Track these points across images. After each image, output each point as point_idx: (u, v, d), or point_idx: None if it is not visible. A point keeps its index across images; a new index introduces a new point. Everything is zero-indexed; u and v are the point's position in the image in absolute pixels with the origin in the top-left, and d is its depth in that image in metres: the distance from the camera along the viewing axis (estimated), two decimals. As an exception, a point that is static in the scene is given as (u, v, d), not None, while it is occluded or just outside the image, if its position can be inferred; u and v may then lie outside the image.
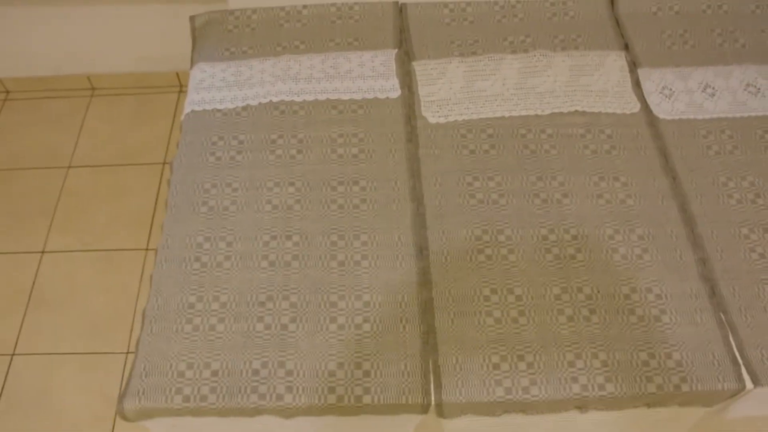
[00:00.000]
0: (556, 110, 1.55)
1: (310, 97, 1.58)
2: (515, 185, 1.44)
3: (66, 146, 2.14)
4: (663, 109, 1.56)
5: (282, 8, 1.75)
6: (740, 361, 1.24)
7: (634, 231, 1.38)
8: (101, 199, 2.02)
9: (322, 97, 1.58)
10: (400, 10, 1.76)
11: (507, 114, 1.55)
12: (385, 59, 1.64)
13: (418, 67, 1.64)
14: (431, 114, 1.55)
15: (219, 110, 1.58)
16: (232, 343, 1.26)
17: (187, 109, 1.59)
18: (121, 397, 1.23)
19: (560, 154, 1.49)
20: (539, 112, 1.55)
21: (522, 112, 1.55)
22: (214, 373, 1.23)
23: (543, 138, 1.51)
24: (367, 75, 1.61)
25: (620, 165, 1.47)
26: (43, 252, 1.93)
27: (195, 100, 1.60)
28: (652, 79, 1.61)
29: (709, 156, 1.50)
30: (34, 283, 1.88)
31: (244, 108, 1.57)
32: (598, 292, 1.30)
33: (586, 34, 1.70)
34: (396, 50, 1.66)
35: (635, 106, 1.57)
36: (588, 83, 1.60)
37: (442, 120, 1.54)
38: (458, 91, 1.59)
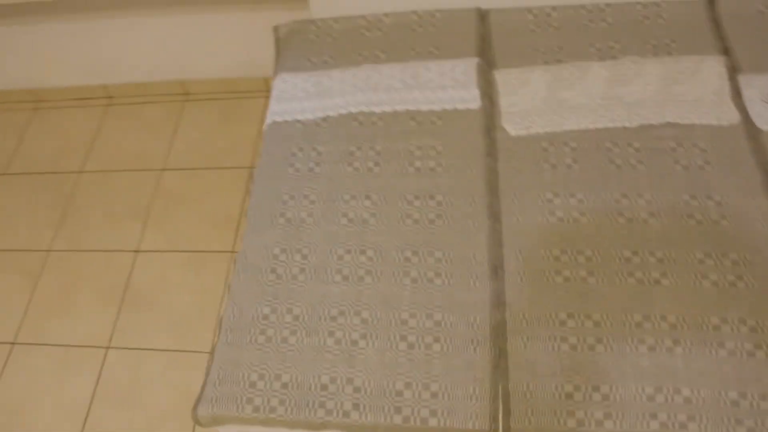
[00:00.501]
0: (645, 122, 1.46)
1: (388, 108, 1.56)
2: (598, 203, 1.37)
3: (160, 150, 2.23)
4: (766, 119, 1.44)
5: (364, 17, 1.74)
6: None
7: (728, 256, 1.28)
8: (191, 201, 2.10)
9: (400, 107, 1.56)
10: (482, 16, 1.71)
11: (592, 126, 1.47)
12: (466, 68, 1.60)
13: (500, 76, 1.59)
14: (512, 126, 1.50)
15: (299, 121, 1.59)
16: (303, 356, 1.27)
17: (268, 120, 1.61)
18: (196, 403, 1.27)
19: (648, 169, 1.40)
20: (627, 124, 1.47)
21: (608, 124, 1.47)
22: (284, 386, 1.25)
23: (630, 152, 1.43)
24: (447, 85, 1.58)
25: (715, 182, 1.37)
26: (137, 251, 2.03)
27: (276, 110, 1.62)
28: (754, 86, 1.49)
29: (815, 172, 1.36)
30: (128, 280, 1.98)
31: (324, 119, 1.58)
32: (684, 321, 1.22)
33: (680, 37, 1.59)
34: (477, 59, 1.61)
35: (734, 117, 1.45)
36: (681, 92, 1.50)
37: (523, 132, 1.49)
38: (541, 101, 1.53)
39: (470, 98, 1.55)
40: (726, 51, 1.56)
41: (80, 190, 2.21)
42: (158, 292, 1.95)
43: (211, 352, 1.31)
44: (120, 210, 2.13)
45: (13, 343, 1.91)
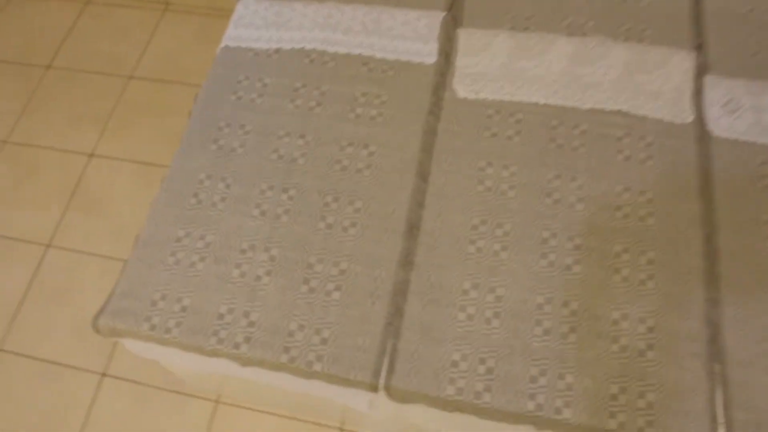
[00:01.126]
0: (597, 106, 1.42)
1: (342, 50, 1.52)
2: (530, 179, 1.34)
3: (131, 56, 2.19)
4: (720, 125, 1.39)
5: (340, -48, 1.66)
6: (720, 419, 1.12)
7: (645, 254, 1.26)
8: (153, 114, 2.07)
9: (355, 51, 1.51)
10: (461, -30, 1.64)
11: (542, 101, 1.43)
12: (430, 21, 1.54)
13: (463, 34, 1.53)
14: (462, 87, 1.45)
15: (252, 49, 1.55)
16: (207, 283, 1.27)
17: (222, 44, 1.57)
18: (98, 312, 1.27)
19: (588, 154, 1.36)
20: (578, 105, 1.42)
21: (559, 102, 1.43)
22: (183, 309, 1.25)
23: (574, 134, 1.39)
24: (407, 35, 1.53)
25: (652, 178, 1.33)
26: (91, 155, 2.01)
27: (232, 35, 1.58)
28: (718, 89, 1.43)
29: (757, 188, 1.33)
30: (78, 182, 1.96)
31: (276, 51, 1.53)
32: (585, 310, 1.21)
33: (657, 26, 1.52)
34: (444, 13, 1.55)
35: (688, 116, 1.40)
36: (642, 82, 1.44)
37: (471, 95, 1.44)
38: (498, 67, 1.48)
39: (427, 52, 1.50)
40: (700, 48, 1.50)
41: (45, 85, 2.17)
42: (105, 199, 1.95)
43: (123, 266, 1.31)
44: (81, 111, 2.10)
45: (-45, 227, 1.91)
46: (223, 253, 1.30)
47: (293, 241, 1.29)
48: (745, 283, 1.23)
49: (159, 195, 1.38)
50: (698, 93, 1.44)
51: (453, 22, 1.56)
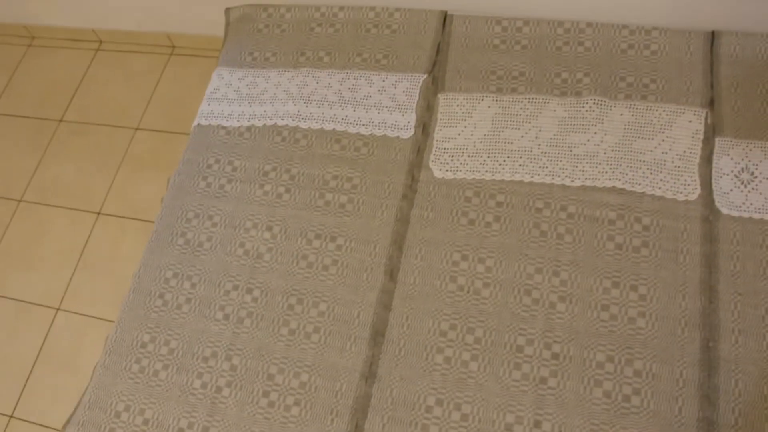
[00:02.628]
0: (588, 182, 1.31)
1: (316, 125, 1.47)
2: (507, 274, 1.26)
3: (138, 105, 2.21)
4: (730, 201, 1.25)
5: (317, 8, 1.60)
6: None
7: (632, 363, 1.16)
8: (158, 168, 2.09)
9: (328, 126, 1.46)
10: (445, 22, 1.54)
11: (528, 178, 1.33)
12: (409, 86, 1.46)
13: (444, 101, 1.44)
14: (439, 166, 1.37)
15: (224, 128, 1.52)
16: (169, 394, 1.28)
17: (195, 121, 1.55)
18: (66, 423, 1.31)
19: (575, 242, 1.26)
20: (567, 182, 1.32)
21: (546, 179, 1.33)
22: (145, 422, 1.26)
23: (561, 218, 1.29)
24: (384, 104, 1.45)
25: (645, 271, 1.22)
26: (99, 213, 2.06)
27: (205, 111, 1.56)
28: (731, 155, 1.29)
29: (770, 278, 1.19)
30: (86, 243, 2.02)
31: (248, 128, 1.50)
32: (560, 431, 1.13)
33: (663, 78, 1.38)
34: (425, 76, 1.47)
35: (694, 191, 1.27)
36: (642, 149, 1.32)
37: (449, 175, 1.36)
38: (480, 138, 1.39)
39: (404, 125, 1.43)
40: (712, 103, 1.35)
41: (57, 139, 2.24)
42: (112, 259, 2.00)
43: (92, 374, 1.34)
44: (90, 167, 2.16)
45: (-23, 290, 2.02)
46: (185, 362, 1.30)
47: (254, 349, 1.28)
48: (747, 398, 1.11)
49: (128, 295, 1.39)
50: (707, 160, 1.30)
51: (434, 85, 1.47)
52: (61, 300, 1.98)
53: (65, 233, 2.07)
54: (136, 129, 2.19)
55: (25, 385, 1.88)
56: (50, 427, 1.80)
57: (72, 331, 1.92)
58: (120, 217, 2.06)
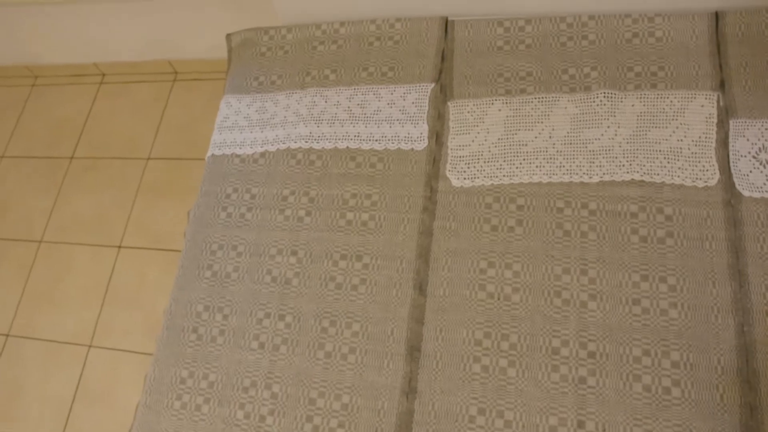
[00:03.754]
0: (607, 177, 1.31)
1: (329, 145, 1.47)
2: (535, 278, 1.27)
3: (147, 135, 2.23)
4: (751, 183, 1.25)
5: (318, 26, 1.61)
6: None
7: (669, 355, 1.17)
8: (173, 195, 2.11)
9: (341, 144, 1.47)
10: (447, 28, 1.54)
11: (546, 179, 1.34)
12: (418, 97, 1.46)
13: (454, 108, 1.45)
14: (456, 175, 1.38)
15: (238, 156, 1.53)
16: (213, 428, 1.30)
17: (209, 152, 1.56)
18: (115, 466, 1.33)
19: (600, 239, 1.27)
20: (585, 179, 1.32)
21: (564, 178, 1.33)
22: (194, 458, 1.28)
23: (583, 216, 1.29)
24: (394, 118, 1.46)
25: (673, 261, 1.23)
26: (119, 247, 2.08)
27: (217, 141, 1.56)
28: (747, 136, 1.29)
29: (799, 256, 1.19)
30: (110, 277, 2.05)
31: (262, 155, 1.51)
32: (604, 430, 1.14)
33: (671, 64, 1.38)
34: (432, 85, 1.47)
35: (713, 177, 1.27)
36: (657, 139, 1.32)
37: (467, 183, 1.37)
38: (494, 143, 1.39)
39: (417, 136, 1.43)
40: (722, 85, 1.34)
41: (71, 177, 2.26)
42: (138, 292, 2.02)
43: (135, 413, 1.36)
44: (106, 201, 2.18)
45: (7, 335, 2.05)
46: (226, 393, 1.31)
47: (294, 375, 1.29)
48: (788, 380, 1.12)
49: (161, 333, 1.41)
50: (723, 144, 1.30)
51: (442, 94, 1.48)
52: (92, 336, 2.01)
53: (88, 269, 2.10)
54: (148, 159, 2.21)
55: (66, 425, 1.91)
56: (95, 465, 1.83)
57: (106, 367, 1.95)
58: (141, 248, 2.08)
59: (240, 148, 1.54)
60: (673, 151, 1.31)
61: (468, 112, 1.44)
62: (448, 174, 1.39)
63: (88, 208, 2.18)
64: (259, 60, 1.64)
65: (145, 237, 2.08)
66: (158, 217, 2.10)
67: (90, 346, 1.98)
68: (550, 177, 1.34)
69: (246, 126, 1.56)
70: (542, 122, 1.39)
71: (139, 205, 2.14)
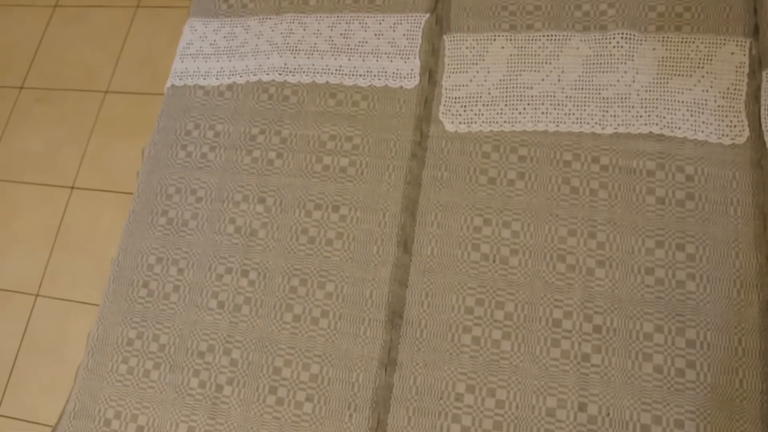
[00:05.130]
0: (621, 129, 1.14)
1: (306, 78, 1.27)
2: (537, 238, 1.10)
3: (105, 67, 1.99)
4: (785, 142, 1.09)
5: (298, -57, 1.37)
6: None
7: (684, 333, 1.01)
8: (132, 133, 1.89)
9: (320, 79, 1.27)
10: (446, -48, 1.33)
11: (552, 128, 1.15)
12: (410, 29, 1.26)
13: (451, 43, 1.25)
14: (450, 118, 1.19)
15: (201, 87, 1.32)
16: (163, 396, 1.12)
17: (168, 82, 1.35)
18: (50, 435, 1.15)
19: (611, 199, 1.10)
20: (597, 130, 1.14)
21: (573, 127, 1.15)
22: (139, 429, 1.12)
23: (593, 171, 1.12)
24: (382, 51, 1.26)
25: (692, 227, 1.07)
26: (72, 188, 1.87)
27: (179, 70, 1.35)
28: (782, 89, 1.11)
29: (835, 226, 1.04)
30: (61, 221, 1.84)
31: (229, 87, 1.30)
32: (608, 415, 0.99)
33: (699, 4, 1.20)
34: (427, 15, 1.27)
35: (742, 133, 1.10)
36: (680, 88, 1.14)
37: (463, 128, 1.18)
38: (495, 84, 1.20)
39: (407, 72, 1.24)
40: (756, 31, 1.16)
41: (20, 109, 2.02)
42: (90, 237, 1.81)
43: (75, 377, 1.17)
44: (59, 137, 1.95)
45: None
46: (179, 358, 1.13)
47: (256, 340, 1.12)
48: (818, 365, 0.97)
49: (108, 286, 1.22)
50: (754, 97, 1.12)
51: (438, 26, 1.28)
52: (40, 285, 1.80)
53: (37, 211, 1.88)
54: (106, 92, 1.97)
55: (8, 380, 1.71)
56: (40, 424, 1.65)
57: (55, 318, 1.76)
58: (96, 190, 1.87)
59: (204, 79, 1.32)
60: (698, 103, 1.13)
61: (466, 47, 1.24)
62: (441, 117, 1.20)
63: (38, 144, 1.95)
64: (230, -21, 1.41)
65: (100, 178, 1.86)
66: (116, 157, 1.88)
67: (37, 296, 1.78)
68: (558, 125, 1.16)
69: (212, 54, 1.34)
70: (550, 63, 1.20)
71: (94, 143, 1.91)
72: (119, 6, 2.07)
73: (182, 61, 1.36)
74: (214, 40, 1.36)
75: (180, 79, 1.34)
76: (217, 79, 1.32)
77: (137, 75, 1.96)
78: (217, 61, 1.33)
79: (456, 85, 1.22)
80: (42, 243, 1.83)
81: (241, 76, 1.31)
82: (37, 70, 2.04)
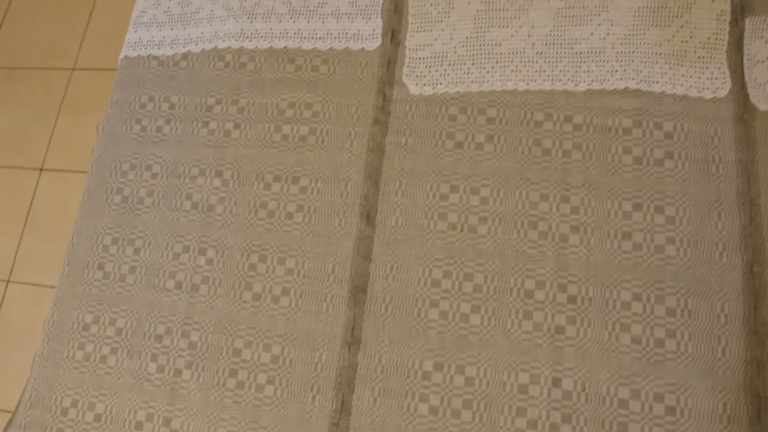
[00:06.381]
0: (595, 85, 1.06)
1: (264, 44, 1.20)
2: (507, 205, 1.03)
3: (72, 43, 1.91)
4: (769, 93, 1.01)
5: None
6: None
7: (664, 300, 0.95)
8: (100, 111, 1.81)
9: (279, 43, 1.19)
10: None
11: (522, 86, 1.08)
12: (372, -13, 1.18)
13: (414, 0, 1.17)
14: (414, 80, 1.12)
15: (156, 57, 1.25)
16: (121, 382, 1.07)
17: (122, 53, 1.28)
18: (5, 428, 1.11)
19: (585, 160, 1.03)
20: (570, 87, 1.07)
21: (544, 85, 1.08)
22: (97, 418, 1.06)
23: (566, 130, 1.05)
24: (343, 11, 1.19)
25: (672, 187, 1.00)
26: (41, 169, 1.81)
27: (132, 40, 1.28)
28: (765, 37, 1.05)
29: (824, 182, 0.97)
30: (31, 204, 1.78)
31: (184, 56, 1.23)
32: (583, 389, 0.93)
33: (679, -51, 1.11)
34: (390, -29, 1.19)
35: (723, 86, 1.03)
36: (658, 39, 1.07)
37: (427, 90, 1.11)
38: (462, 42, 1.13)
39: (369, 33, 1.16)
40: (738, -26, 1.08)
41: (-15, 90, 1.95)
42: (60, 220, 1.76)
43: (32, 366, 1.12)
44: (26, 117, 1.89)
45: None
46: (136, 342, 1.08)
47: (215, 321, 1.06)
48: (805, 330, 0.91)
49: (63, 270, 1.16)
50: (737, 47, 1.05)
51: (401, -17, 1.20)
52: (11, 271, 1.75)
53: (5, 194, 1.82)
54: (73, 69, 1.90)
55: (-19, 367, 1.68)
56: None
57: (26, 304, 1.71)
58: (66, 171, 1.81)
59: (158, 49, 1.25)
60: (677, 55, 1.06)
61: (431, 4, 1.17)
62: (404, 79, 1.13)
63: (3, 124, 1.88)
64: (183, -58, 1.33)
65: (70, 158, 1.80)
66: (85, 136, 1.81)
67: (8, 282, 1.73)
68: (528, 84, 1.09)
69: (166, 22, 1.27)
70: (520, 17, 1.13)
71: (62, 122, 1.84)
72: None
73: (135, 31, 1.28)
74: (168, 7, 1.28)
75: (133, 50, 1.27)
76: (171, 48, 1.25)
77: (104, 50, 1.89)
78: (172, 29, 1.26)
79: (420, 45, 1.15)
80: (11, 227, 1.78)
81: (196, 44, 1.23)
82: (0, 48, 1.97)
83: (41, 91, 1.89)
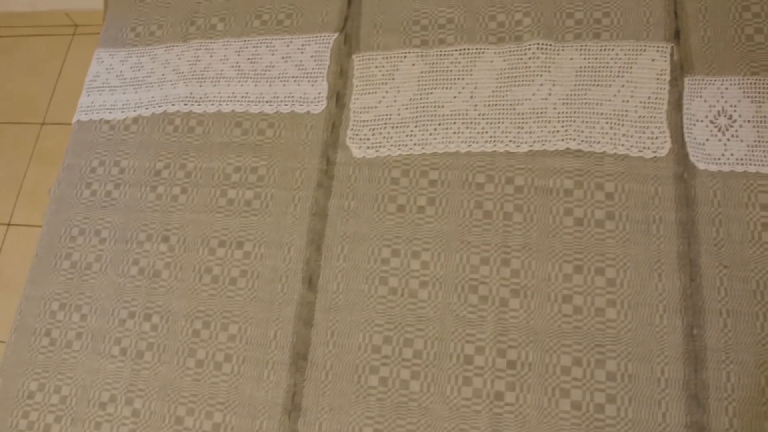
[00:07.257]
0: (537, 146, 1.09)
1: (212, 108, 1.23)
2: (447, 269, 1.05)
3: (42, 98, 1.96)
4: (707, 153, 1.04)
5: (206, -36, 1.34)
6: None
7: (604, 365, 0.96)
8: (70, 166, 1.85)
9: (226, 107, 1.22)
10: (356, -34, 1.28)
11: (465, 148, 1.11)
12: (318, 49, 1.22)
13: (360, 62, 1.21)
14: (358, 143, 1.14)
15: (107, 121, 1.28)
16: (64, 453, 1.07)
17: (75, 118, 1.31)
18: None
19: (526, 222, 1.05)
20: (512, 148, 1.09)
21: (486, 147, 1.10)
22: (39, 490, 1.06)
23: (507, 193, 1.07)
24: (290, 74, 1.22)
25: (612, 249, 1.01)
26: (8, 224, 1.84)
27: (84, 105, 1.32)
28: (704, 96, 1.06)
29: (764, 244, 0.98)
30: (-1, 259, 1.81)
31: (135, 120, 1.26)
32: (521, 459, 0.93)
33: (618, 9, 1.14)
34: (336, 35, 1.22)
35: (663, 145, 1.05)
36: (599, 99, 1.09)
37: (370, 153, 1.14)
38: (405, 104, 1.16)
39: (314, 96, 1.19)
40: (677, 35, 1.11)
41: (-43, 145, 1.99)
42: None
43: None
44: (-4, 172, 1.92)
45: None
46: (80, 411, 1.09)
47: (158, 388, 1.07)
48: (743, 392, 0.92)
49: (10, 336, 1.17)
50: (676, 106, 1.07)
51: (347, 45, 1.23)
52: (-23, 327, 1.77)
53: (-25, 251, 1.85)
54: (42, 124, 1.95)
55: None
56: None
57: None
58: (34, 226, 1.84)
59: (110, 113, 1.29)
60: (617, 115, 1.08)
61: (376, 67, 1.20)
62: (348, 142, 1.16)
63: (-26, 180, 1.93)
64: (139, 6, 1.37)
65: (38, 214, 1.83)
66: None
67: (-25, 338, 1.75)
68: (470, 145, 1.11)
69: (118, 86, 1.30)
70: (463, 79, 1.15)
71: (32, 177, 1.88)
72: (55, 35, 2.04)
73: (88, 95, 1.32)
74: (121, 71, 1.32)
75: (86, 114, 1.31)
76: (122, 112, 1.28)
77: (75, 105, 1.92)
78: (123, 93, 1.30)
79: (364, 108, 1.18)
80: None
81: (146, 108, 1.27)
82: (-26, 103, 2.02)
83: (10, 145, 1.93)
